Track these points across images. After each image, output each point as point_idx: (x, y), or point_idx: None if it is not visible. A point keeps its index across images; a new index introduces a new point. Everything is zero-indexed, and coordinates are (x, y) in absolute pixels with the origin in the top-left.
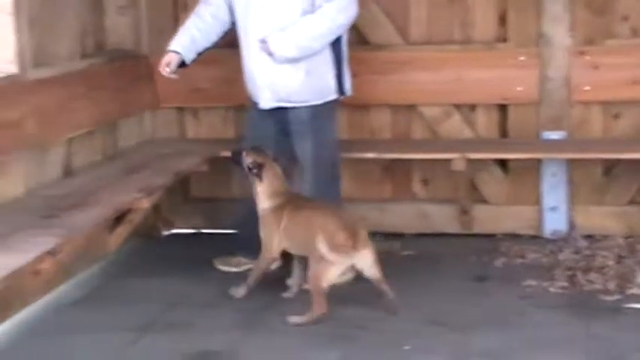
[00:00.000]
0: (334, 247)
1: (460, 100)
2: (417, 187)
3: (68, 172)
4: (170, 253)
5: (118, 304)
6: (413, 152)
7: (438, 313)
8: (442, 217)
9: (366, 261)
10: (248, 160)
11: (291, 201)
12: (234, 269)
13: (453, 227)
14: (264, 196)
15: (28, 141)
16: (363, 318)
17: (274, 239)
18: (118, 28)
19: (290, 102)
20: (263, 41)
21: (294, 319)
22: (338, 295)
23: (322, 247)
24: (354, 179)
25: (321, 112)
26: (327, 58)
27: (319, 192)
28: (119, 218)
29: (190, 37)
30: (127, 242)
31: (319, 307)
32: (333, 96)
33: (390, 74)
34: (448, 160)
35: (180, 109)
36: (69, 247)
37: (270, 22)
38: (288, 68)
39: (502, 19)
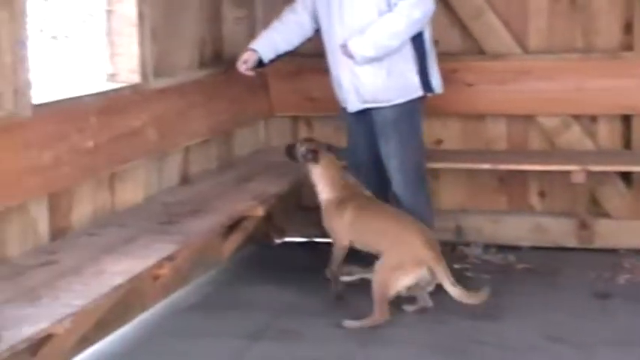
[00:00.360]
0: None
1: (580, 111)
2: (534, 200)
3: (185, 179)
4: (282, 261)
5: (231, 311)
6: (530, 163)
7: (557, 329)
8: (560, 231)
9: (437, 274)
10: (302, 149)
11: (355, 196)
12: (345, 278)
13: (571, 241)
14: (322, 184)
15: (149, 149)
16: (480, 331)
17: (341, 230)
18: (235, 38)
19: (375, 102)
20: (343, 45)
21: (350, 322)
22: (455, 307)
23: (389, 254)
24: (469, 190)
25: (406, 110)
26: (407, 56)
27: (407, 195)
28: (233, 226)
29: (271, 39)
30: (240, 249)
31: (381, 314)
32: (418, 93)
33: (507, 84)
34: (567, 173)
35: (294, 118)
36: (186, 253)
37: (349, 26)
38: (369, 69)
39: (628, 27)
